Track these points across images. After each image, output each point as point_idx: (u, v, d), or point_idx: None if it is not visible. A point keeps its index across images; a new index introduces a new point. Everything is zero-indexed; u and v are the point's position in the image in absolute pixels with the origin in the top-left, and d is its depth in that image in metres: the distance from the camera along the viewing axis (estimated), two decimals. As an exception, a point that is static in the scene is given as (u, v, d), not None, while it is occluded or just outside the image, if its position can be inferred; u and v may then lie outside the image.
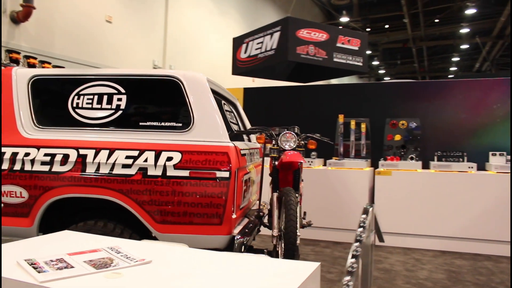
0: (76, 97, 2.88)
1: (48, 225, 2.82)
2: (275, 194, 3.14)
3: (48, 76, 2.98)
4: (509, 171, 4.75)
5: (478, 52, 20.84)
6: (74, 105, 2.87)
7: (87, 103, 2.86)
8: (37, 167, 2.73)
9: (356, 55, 6.63)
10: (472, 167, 4.93)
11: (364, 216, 1.53)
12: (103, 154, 2.70)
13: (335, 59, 6.40)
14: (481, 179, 4.81)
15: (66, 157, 2.71)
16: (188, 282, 1.20)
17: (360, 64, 6.68)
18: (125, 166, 2.66)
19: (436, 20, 18.46)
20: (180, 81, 2.80)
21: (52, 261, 1.30)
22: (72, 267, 1.26)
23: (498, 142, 5.22)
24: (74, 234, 1.79)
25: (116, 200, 2.67)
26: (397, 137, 5.57)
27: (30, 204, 2.73)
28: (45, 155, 2.75)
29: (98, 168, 2.68)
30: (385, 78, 27.23)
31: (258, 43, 6.76)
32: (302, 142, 3.37)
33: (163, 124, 2.78)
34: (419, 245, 4.91)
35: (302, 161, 3.05)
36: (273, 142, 3.28)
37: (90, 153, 2.71)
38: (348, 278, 1.29)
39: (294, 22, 6.30)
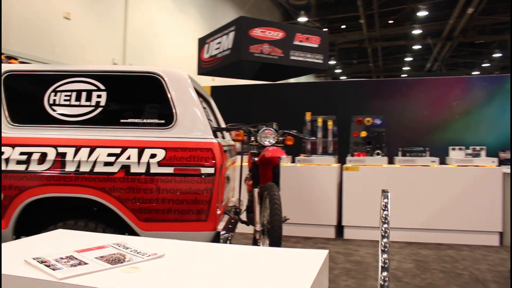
0: (52, 93, 2.80)
1: (24, 227, 2.73)
2: (256, 190, 3.18)
3: (22, 72, 2.87)
4: (472, 165, 5.01)
5: (429, 52, 21.70)
6: (51, 102, 2.78)
7: (64, 100, 2.78)
8: (12, 167, 2.63)
9: (316, 52, 6.69)
10: (434, 161, 5.16)
11: (385, 202, 1.56)
12: (84, 152, 2.64)
13: (292, 57, 6.46)
14: (443, 172, 5.04)
15: (44, 156, 2.63)
16: (209, 272, 1.21)
17: (320, 61, 6.75)
18: (107, 164, 2.62)
19: (391, 22, 19.07)
20: (161, 77, 2.78)
21: (62, 258, 1.28)
22: (85, 263, 1.24)
23: (457, 137, 5.48)
24: (69, 232, 1.75)
25: (97, 198, 2.62)
26: (363, 134, 5.73)
27: (5, 206, 2.63)
28: (21, 153, 2.65)
29: (78, 167, 2.62)
30: (341, 77, 27.83)
31: (217, 43, 6.83)
32: (280, 138, 3.42)
33: (145, 121, 2.75)
34: (386, 237, 5.07)
35: (284, 156, 3.10)
36: (252, 139, 3.31)
37: (70, 151, 2.64)
38: (385, 274, 1.34)
39: (247, 21, 6.37)
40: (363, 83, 6.44)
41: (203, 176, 2.61)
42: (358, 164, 5.35)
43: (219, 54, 6.68)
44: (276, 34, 6.37)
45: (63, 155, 2.64)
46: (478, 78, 5.72)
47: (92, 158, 2.62)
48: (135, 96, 2.89)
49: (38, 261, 1.24)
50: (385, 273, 1.34)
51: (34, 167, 2.63)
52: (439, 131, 5.62)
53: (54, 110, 2.77)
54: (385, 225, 1.50)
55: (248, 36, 6.14)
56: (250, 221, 3.43)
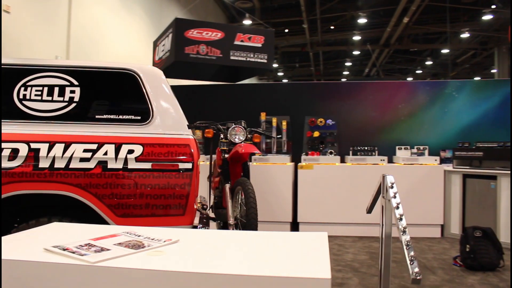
0: (22, 88, 2.73)
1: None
2: (227, 185, 3.27)
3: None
4: (417, 163, 5.38)
5: (367, 58, 22.66)
6: (21, 96, 2.72)
7: (36, 95, 2.73)
8: (-19, 163, 2.55)
9: (259, 52, 6.73)
10: (383, 160, 5.49)
11: (397, 203, 1.70)
12: (58, 147, 2.61)
13: (232, 57, 6.53)
14: (391, 170, 5.37)
15: (15, 152, 2.57)
16: (230, 254, 1.30)
17: (264, 61, 6.80)
18: (83, 159, 2.61)
19: (332, 27, 19.75)
20: (136, 73, 2.81)
21: (82, 246, 1.31)
22: (108, 249, 1.28)
23: (403, 138, 5.86)
24: (64, 225, 1.76)
25: (73, 195, 2.60)
26: (316, 134, 5.97)
27: (-26, 203, 2.54)
28: (-12, 150, 2.58)
29: (53, 163, 2.59)
30: (283, 80, 28.38)
31: (162, 45, 6.87)
32: (249, 135, 3.53)
33: (121, 117, 2.76)
34: (340, 232, 5.33)
35: (257, 151, 3.22)
36: (221, 136, 3.40)
37: (44, 147, 2.60)
38: (416, 270, 1.47)
39: (182, 23, 6.44)
40: (316, 85, 6.70)
41: (181, 171, 2.67)
42: (312, 163, 5.57)
43: (163, 56, 6.74)
44: (214, 35, 6.41)
45: (37, 151, 2.59)
46: (421, 83, 6.12)
47: (68, 154, 2.60)
48: (110, 92, 2.89)
49: (59, 249, 1.27)
50: (416, 269, 1.47)
51: (4, 163, 2.56)
52: (386, 132, 5.97)
53: (24, 105, 2.72)
54: (403, 222, 1.65)
55: (184, 37, 6.19)
56: (218, 217, 3.51)
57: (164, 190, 2.65)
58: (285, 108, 6.19)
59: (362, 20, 17.52)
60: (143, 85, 2.79)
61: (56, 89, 2.75)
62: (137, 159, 2.64)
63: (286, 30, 20.94)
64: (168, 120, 2.78)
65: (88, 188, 2.60)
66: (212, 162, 4.02)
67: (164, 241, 1.39)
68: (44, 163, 2.58)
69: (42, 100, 2.74)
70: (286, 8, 18.53)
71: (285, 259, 1.26)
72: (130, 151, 2.64)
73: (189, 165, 2.68)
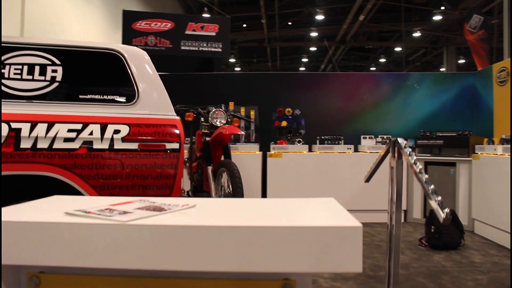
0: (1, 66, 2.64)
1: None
2: (210, 168, 3.28)
3: (-36, 42, 2.66)
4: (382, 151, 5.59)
5: (324, 54, 23.10)
6: (-1, 75, 2.63)
7: (15, 74, 2.64)
8: (-42, 143, 2.45)
9: (213, 41, 6.66)
10: (350, 148, 5.67)
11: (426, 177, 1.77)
12: (41, 127, 2.54)
13: (183, 47, 6.47)
14: (357, 158, 5.56)
15: (-6, 131, 2.48)
16: (254, 213, 1.34)
17: (219, 49, 6.74)
18: (67, 140, 2.55)
19: (289, 23, 19.98)
20: (121, 54, 2.77)
21: (103, 210, 1.31)
22: (131, 212, 1.28)
23: (368, 127, 6.07)
24: (67, 197, 1.73)
25: (57, 176, 2.54)
26: (284, 123, 6.07)
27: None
28: (-33, 129, 2.48)
29: (35, 143, 2.52)
30: (240, 75, 28.37)
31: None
32: (229, 119, 3.56)
33: (105, 97, 2.72)
34: (308, 219, 5.46)
35: (242, 133, 3.26)
36: (202, 119, 3.41)
37: (25, 127, 2.52)
38: (447, 210, 1.53)
39: (129, 15, 6.39)
40: (284, 76, 6.78)
41: (168, 152, 2.67)
42: (281, 151, 5.67)
43: None
44: (164, 25, 6.35)
45: (17, 131, 2.51)
46: (385, 75, 6.37)
47: (51, 134, 2.54)
48: (94, 72, 2.83)
49: (82, 212, 1.27)
50: (447, 210, 1.56)
51: (-20, 143, 2.47)
52: (351, 122, 6.17)
53: (3, 84, 2.62)
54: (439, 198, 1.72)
55: (131, 29, 6.15)
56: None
57: (151, 171, 2.64)
58: (253, 98, 6.24)
59: (319, 17, 17.84)
60: (128, 65, 2.76)
61: (37, 68, 2.68)
62: (124, 139, 2.61)
63: (244, 25, 20.98)
64: (154, 100, 2.77)
65: (73, 169, 2.55)
66: (190, 147, 4.01)
67: (182, 206, 1.41)
68: (26, 144, 2.50)
69: (22, 79, 2.65)
70: (245, 3, 18.57)
71: (309, 215, 1.32)
72: (116, 131, 2.61)
73: (176, 145, 2.69)
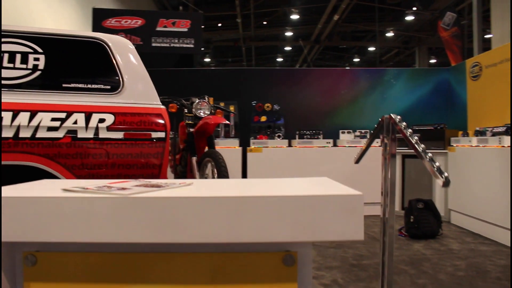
0: (-21, 54, 2.57)
1: None
2: (194, 158, 3.28)
3: None
4: (361, 145, 5.67)
5: (298, 54, 23.27)
6: (-23, 63, 2.56)
7: (-5, 62, 2.58)
8: None
9: (185, 36, 6.62)
10: (329, 143, 5.74)
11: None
12: (23, 116, 2.48)
13: (154, 44, 6.44)
14: (337, 152, 5.63)
15: (-26, 121, 2.42)
16: (256, 187, 1.35)
17: (191, 45, 6.69)
18: (51, 128, 2.51)
19: (264, 23, 20.05)
20: (105, 43, 2.74)
21: (100, 187, 1.30)
22: (130, 188, 1.28)
23: (346, 122, 6.16)
24: (58, 180, 1.71)
25: (40, 165, 2.49)
26: (263, 119, 6.10)
27: None
28: None
29: (17, 132, 2.46)
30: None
31: None
32: (212, 111, 3.56)
33: (90, 86, 2.68)
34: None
35: (227, 122, 3.26)
36: (185, 111, 3.40)
37: (6, 116, 2.46)
38: (446, 174, 1.56)
39: (99, 13, 6.34)
40: (263, 71, 6.81)
41: (154, 141, 2.65)
42: (261, 146, 5.69)
43: None
44: (134, 22, 6.30)
45: (-2, 119, 2.45)
46: (362, 70, 6.45)
47: (34, 123, 2.49)
48: (78, 61, 2.79)
49: (81, 188, 1.26)
50: (446, 174, 1.60)
51: (-38, 132, 2.40)
52: (330, 116, 6.24)
53: (-19, 72, 2.56)
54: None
55: (101, 27, 6.09)
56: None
57: (137, 160, 2.62)
58: (232, 94, 6.25)
59: (294, 16, 17.96)
60: (112, 54, 2.73)
61: (18, 56, 2.62)
62: (109, 128, 2.58)
63: (220, 24, 20.94)
64: (139, 90, 2.75)
65: (57, 158, 2.50)
66: (174, 139, 3.99)
67: (179, 184, 1.41)
68: (7, 133, 2.45)
69: (2, 67, 2.59)
70: (220, 2, 18.54)
71: (308, 187, 1.34)
72: (101, 120, 2.58)
73: (162, 134, 2.67)
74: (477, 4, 8.15)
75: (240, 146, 5.97)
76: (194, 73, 6.65)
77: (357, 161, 2.35)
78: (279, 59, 24.97)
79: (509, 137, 4.15)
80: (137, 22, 6.20)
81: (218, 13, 19.52)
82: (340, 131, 6.02)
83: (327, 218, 1.14)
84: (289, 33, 20.17)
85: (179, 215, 1.13)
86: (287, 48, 22.69)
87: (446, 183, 1.57)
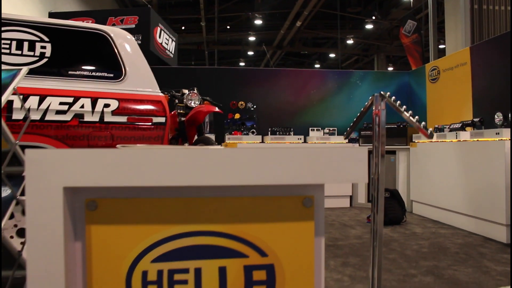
0: (-12, 41, 2.71)
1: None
2: (186, 145, 3.49)
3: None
4: (329, 141, 6.04)
5: (260, 59, 23.71)
6: (-13, 49, 2.70)
7: (3, 48, 2.72)
8: None
9: (133, 33, 6.70)
10: (300, 139, 6.07)
11: None
12: (33, 100, 2.64)
13: None
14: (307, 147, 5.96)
15: (-14, 102, 2.55)
16: (270, 145, 1.62)
17: (138, 41, 6.68)
18: (59, 112, 2.67)
19: (228, 27, 20.34)
20: (108, 34, 2.93)
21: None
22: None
23: (315, 120, 6.52)
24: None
25: (49, 146, 2.65)
26: (237, 116, 6.36)
27: None
28: (-42, 99, 2.53)
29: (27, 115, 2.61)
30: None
31: None
32: (201, 102, 3.80)
33: (94, 74, 2.86)
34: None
35: (219, 111, 3.50)
36: (176, 101, 3.62)
37: (17, 99, 2.61)
38: (431, 129, 1.85)
39: (55, 16, 6.44)
40: (237, 70, 7.08)
41: (155, 125, 2.87)
42: (236, 141, 5.95)
43: None
44: (85, 23, 6.46)
45: (9, 102, 2.60)
46: (330, 72, 6.84)
47: (43, 106, 2.65)
48: (83, 50, 2.96)
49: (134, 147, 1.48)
50: (430, 129, 1.89)
51: (-26, 113, 2.53)
52: (300, 115, 6.58)
53: (-10, 57, 2.69)
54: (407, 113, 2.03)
55: None
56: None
57: (139, 142, 2.82)
58: (206, 92, 6.46)
59: (258, 22, 18.35)
60: (115, 44, 2.92)
61: (26, 44, 2.77)
62: (113, 113, 2.77)
63: (183, 28, 21.04)
64: (140, 78, 2.95)
65: (65, 139, 2.67)
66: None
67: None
68: (18, 115, 2.60)
69: (10, 54, 2.73)
70: (183, 5, 18.66)
71: (318, 145, 1.62)
72: (106, 105, 2.77)
73: (162, 119, 2.89)
74: (432, 15, 8.77)
75: (215, 141, 6.20)
76: (166, 71, 6.84)
77: (347, 137, 2.64)
78: (242, 64, 25.30)
79: (465, 132, 4.62)
80: (88, 22, 6.31)
81: (182, 16, 19.63)
82: (310, 128, 6.37)
83: (340, 166, 1.42)
84: (252, 38, 20.54)
85: (219, 163, 1.39)
86: (250, 53, 23.06)
87: (430, 135, 1.88)
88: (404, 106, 2.07)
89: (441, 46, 10.72)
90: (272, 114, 6.55)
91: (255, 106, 6.39)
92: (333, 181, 1.47)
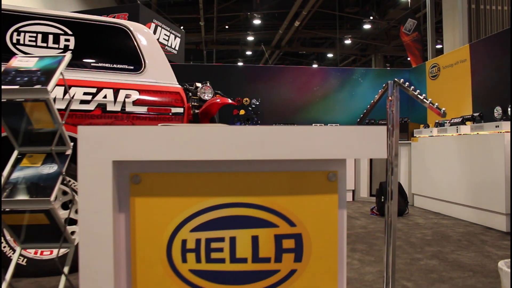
0: (15, 33, 2.83)
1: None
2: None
3: (-18, 9, 2.82)
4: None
5: (258, 59, 23.88)
6: (14, 41, 2.82)
7: (29, 41, 2.84)
8: (-22, 102, 2.62)
9: None
10: (304, 134, 6.21)
11: None
12: (58, 90, 2.76)
13: None
14: (311, 143, 6.11)
15: (14, 92, 2.67)
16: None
17: None
18: (83, 102, 2.80)
19: (226, 27, 20.48)
20: (128, 28, 3.06)
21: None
22: (208, 127, 1.65)
23: (318, 116, 6.66)
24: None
25: (73, 134, 2.77)
26: (242, 112, 6.50)
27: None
28: (-13, 89, 2.65)
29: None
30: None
31: None
32: (213, 95, 3.92)
33: (115, 66, 2.99)
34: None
35: (233, 103, 3.63)
36: (190, 94, 3.75)
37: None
38: (444, 109, 1.99)
39: None
40: (242, 68, 7.21)
41: (173, 115, 3.00)
42: (242, 137, 6.08)
43: None
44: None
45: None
46: (333, 69, 6.99)
47: (67, 96, 2.77)
48: (104, 44, 3.08)
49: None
50: (444, 109, 2.03)
51: (3, 103, 2.65)
52: (303, 111, 6.73)
53: (18, 49, 2.81)
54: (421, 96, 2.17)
55: None
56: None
57: (158, 132, 2.94)
58: (213, 88, 6.59)
59: (256, 21, 18.50)
60: (135, 38, 3.05)
61: (51, 37, 2.89)
62: (134, 103, 2.90)
63: (182, 27, 21.18)
64: (159, 70, 3.08)
65: (89, 128, 2.79)
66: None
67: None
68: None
69: (36, 46, 2.86)
70: (182, 5, 18.79)
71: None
72: (128, 96, 2.90)
73: (180, 110, 3.02)
74: (430, 15, 8.94)
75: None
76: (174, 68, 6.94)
77: (360, 122, 2.76)
78: (240, 63, 25.44)
79: (465, 126, 4.77)
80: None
81: (181, 16, 19.75)
82: (313, 124, 6.51)
83: (360, 143, 1.56)
84: (250, 38, 20.69)
85: (254, 140, 1.52)
86: (248, 53, 23.21)
87: (443, 114, 2.02)
88: (418, 90, 2.21)
89: (438, 46, 10.91)
90: (276, 111, 6.68)
91: (258, 103, 6.52)
92: (354, 156, 1.61)
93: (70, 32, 2.94)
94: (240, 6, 18.14)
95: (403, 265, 2.95)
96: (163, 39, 7.06)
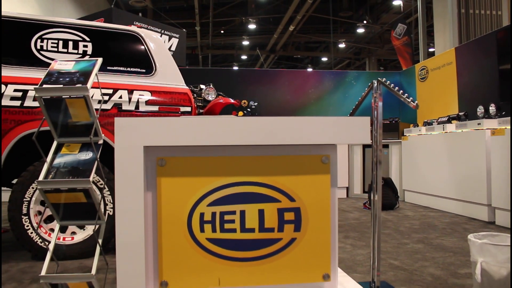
0: (39, 40, 3.12)
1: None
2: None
3: (8, 18, 3.11)
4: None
5: (253, 63, 24.21)
6: (38, 47, 3.10)
7: (52, 47, 3.13)
8: (7, 102, 2.90)
9: None
10: (300, 134, 6.51)
11: None
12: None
13: None
14: (307, 142, 6.42)
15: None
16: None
17: None
18: (101, 102, 3.09)
19: (222, 31, 20.81)
20: (140, 35, 3.36)
21: (200, 119, 1.96)
22: (221, 119, 1.95)
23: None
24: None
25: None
26: (240, 113, 6.80)
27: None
28: (15, 90, 2.93)
29: (74, 103, 3.02)
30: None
31: None
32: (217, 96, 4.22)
33: (128, 69, 3.28)
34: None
35: (236, 103, 3.93)
36: (195, 95, 4.05)
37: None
38: (416, 101, 2.30)
39: None
40: (242, 71, 7.51)
41: (182, 113, 3.29)
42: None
43: None
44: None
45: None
46: (327, 72, 7.31)
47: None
48: (118, 49, 3.38)
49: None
50: (416, 101, 2.34)
51: (29, 103, 2.94)
52: (299, 112, 7.04)
53: (42, 55, 3.10)
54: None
55: None
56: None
57: (169, 129, 3.24)
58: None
59: (251, 26, 18.85)
60: (146, 43, 3.35)
61: (71, 43, 3.19)
62: (147, 103, 3.20)
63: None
64: (168, 73, 3.38)
65: (106, 125, 3.09)
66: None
67: (247, 122, 2.09)
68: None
69: (58, 51, 3.15)
70: (178, 10, 19.10)
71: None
72: (141, 96, 3.19)
73: (188, 109, 3.32)
74: (422, 19, 9.31)
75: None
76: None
77: (352, 115, 3.06)
78: (235, 68, 25.76)
79: (451, 124, 5.10)
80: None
81: (176, 21, 20.03)
82: (308, 125, 6.83)
83: (348, 130, 1.86)
84: (245, 42, 21.02)
85: (259, 128, 1.82)
86: (243, 57, 23.54)
87: (417, 106, 2.32)
88: (397, 88, 2.52)
89: (431, 50, 11.29)
90: (272, 112, 6.99)
91: (256, 104, 6.83)
92: (343, 141, 1.91)
93: (87, 39, 3.24)
94: (235, 11, 18.46)
95: (391, 248, 3.26)
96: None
